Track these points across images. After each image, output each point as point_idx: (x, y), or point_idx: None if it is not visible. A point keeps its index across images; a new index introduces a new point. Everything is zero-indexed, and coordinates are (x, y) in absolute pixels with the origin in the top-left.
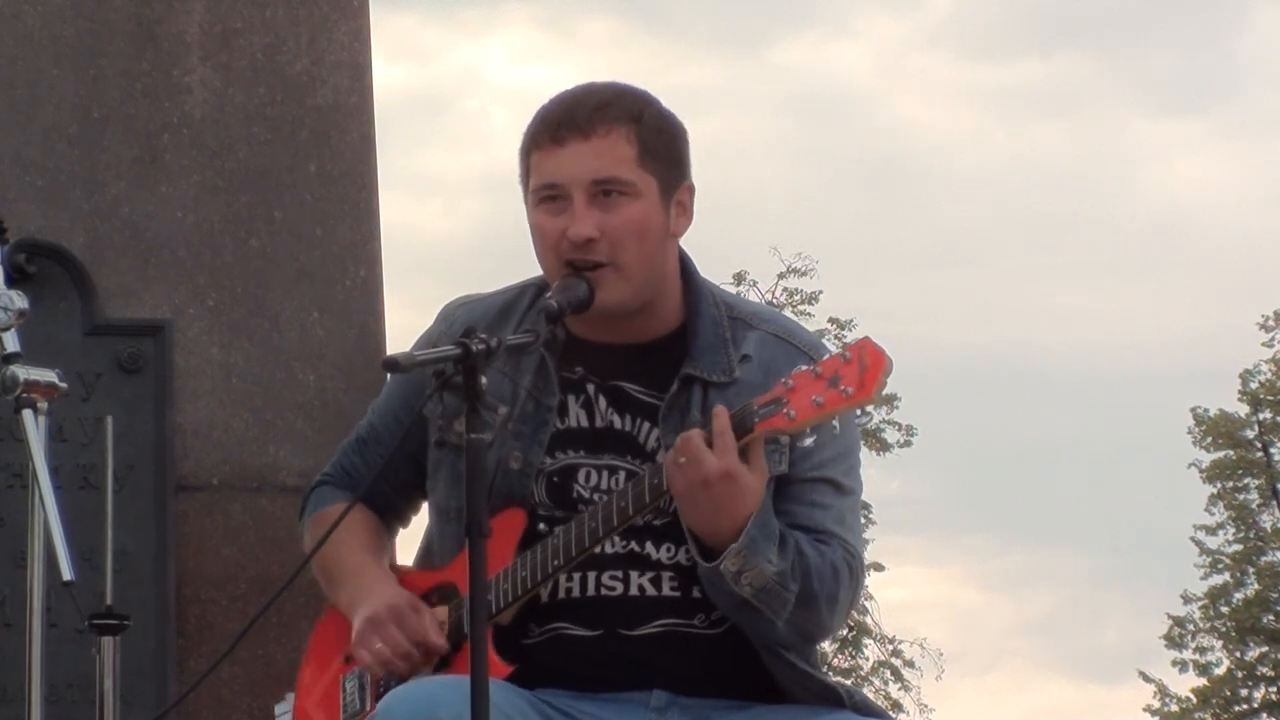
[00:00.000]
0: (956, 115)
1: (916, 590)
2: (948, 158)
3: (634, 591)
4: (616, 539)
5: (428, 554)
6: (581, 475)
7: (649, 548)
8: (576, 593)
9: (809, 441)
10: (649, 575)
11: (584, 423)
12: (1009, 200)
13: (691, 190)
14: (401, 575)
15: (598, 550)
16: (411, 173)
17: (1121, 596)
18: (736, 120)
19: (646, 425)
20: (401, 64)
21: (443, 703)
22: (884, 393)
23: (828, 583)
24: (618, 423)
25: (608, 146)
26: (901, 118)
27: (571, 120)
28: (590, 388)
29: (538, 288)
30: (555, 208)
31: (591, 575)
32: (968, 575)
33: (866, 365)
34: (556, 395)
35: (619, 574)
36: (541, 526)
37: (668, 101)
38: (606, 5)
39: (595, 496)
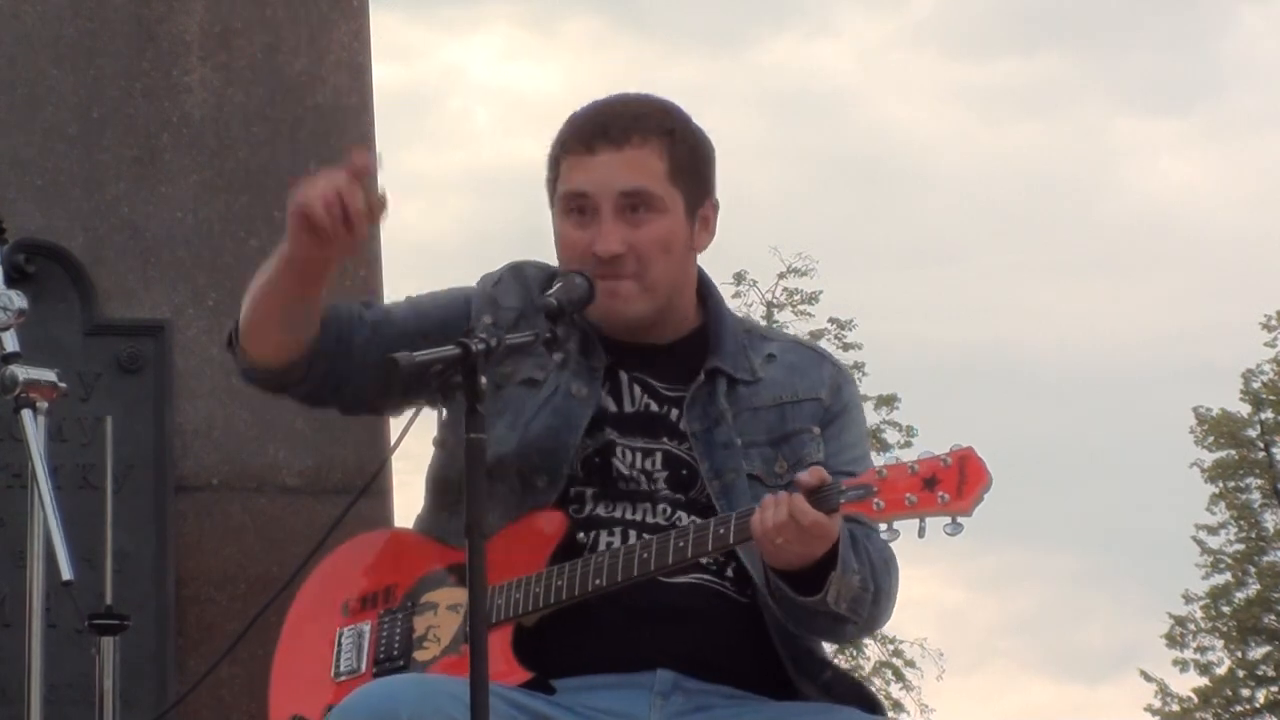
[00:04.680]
0: (939, 114)
1: (904, 590)
2: (931, 157)
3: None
4: (658, 511)
5: (446, 506)
6: (619, 452)
7: (680, 516)
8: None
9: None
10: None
11: (613, 408)
12: (993, 199)
13: (716, 207)
14: (420, 543)
15: (640, 518)
16: (396, 172)
17: (1119, 596)
18: (718, 119)
19: (675, 412)
20: (384, 63)
21: (404, 700)
22: (884, 393)
23: (881, 576)
24: (654, 406)
25: (640, 159)
26: (884, 117)
27: (604, 130)
28: (623, 375)
29: None
30: (582, 220)
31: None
32: (954, 574)
33: (967, 476)
34: (604, 359)
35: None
36: (573, 509)
37: None
38: (589, 4)
39: (635, 474)
